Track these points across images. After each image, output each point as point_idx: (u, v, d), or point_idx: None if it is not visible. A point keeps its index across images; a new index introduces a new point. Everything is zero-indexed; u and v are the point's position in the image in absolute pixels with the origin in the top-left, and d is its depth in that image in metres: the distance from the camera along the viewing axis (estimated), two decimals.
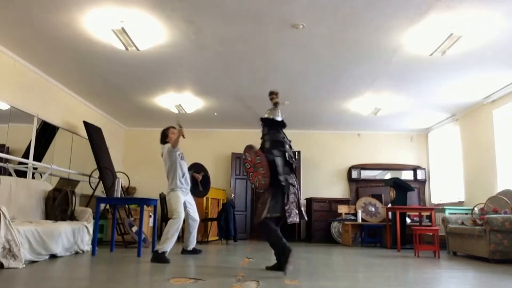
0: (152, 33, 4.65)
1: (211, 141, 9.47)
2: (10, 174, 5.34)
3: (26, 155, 5.71)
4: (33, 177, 5.81)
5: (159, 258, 4.34)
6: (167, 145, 4.92)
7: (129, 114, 8.31)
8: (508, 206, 5.39)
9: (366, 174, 9.23)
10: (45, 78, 6.12)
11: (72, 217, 5.31)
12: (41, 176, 5.92)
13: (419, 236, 6.34)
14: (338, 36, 4.67)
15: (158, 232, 8.14)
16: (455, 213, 6.86)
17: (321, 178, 9.26)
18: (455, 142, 8.01)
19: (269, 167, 3.78)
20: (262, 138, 4.15)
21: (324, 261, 4.91)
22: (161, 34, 4.68)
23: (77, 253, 5.02)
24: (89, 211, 5.53)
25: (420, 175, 9.11)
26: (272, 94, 4.21)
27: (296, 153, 8.98)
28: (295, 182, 3.97)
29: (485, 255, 4.99)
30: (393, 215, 6.95)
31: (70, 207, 5.31)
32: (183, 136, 4.67)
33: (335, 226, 8.28)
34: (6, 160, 5.32)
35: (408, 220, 7.64)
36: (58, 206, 5.23)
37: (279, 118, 4.11)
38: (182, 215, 4.75)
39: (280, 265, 3.66)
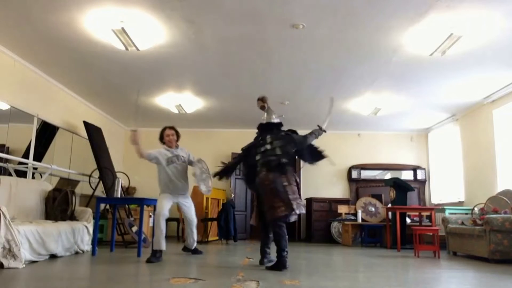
0: (152, 33, 4.65)
1: (211, 141, 9.47)
2: (10, 174, 5.33)
3: (26, 155, 5.71)
4: (33, 177, 5.81)
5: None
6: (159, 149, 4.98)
7: (129, 114, 8.30)
8: (508, 206, 5.39)
9: (366, 174, 9.23)
10: (45, 78, 6.12)
11: (72, 217, 5.31)
12: (41, 176, 5.91)
13: (419, 236, 6.34)
14: (338, 36, 4.67)
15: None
16: (455, 213, 6.86)
17: (321, 178, 9.26)
18: (455, 142, 8.01)
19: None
20: (271, 143, 4.21)
21: (324, 261, 4.91)
22: (161, 34, 4.68)
23: (77, 253, 5.01)
24: (89, 211, 5.53)
25: (420, 175, 9.11)
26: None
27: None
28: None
29: (485, 255, 4.99)
30: (393, 215, 6.95)
31: (70, 207, 5.30)
32: (134, 143, 4.56)
33: (335, 226, 8.28)
34: (6, 160, 5.32)
35: (408, 220, 7.64)
36: (58, 206, 5.23)
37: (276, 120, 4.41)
38: (160, 212, 4.71)
39: (280, 264, 3.80)
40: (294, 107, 7.50)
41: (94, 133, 6.81)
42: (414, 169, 9.18)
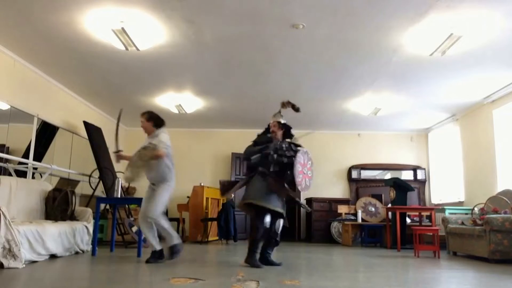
0: (152, 33, 4.65)
1: (211, 141, 9.47)
2: (10, 174, 5.34)
3: (26, 155, 5.71)
4: (33, 177, 5.81)
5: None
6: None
7: (129, 114, 8.30)
8: (508, 206, 5.39)
9: (366, 174, 9.23)
10: (45, 78, 6.12)
11: (72, 217, 5.31)
12: (41, 176, 5.91)
13: (419, 236, 6.34)
14: (338, 36, 4.67)
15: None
16: (455, 213, 6.86)
17: (321, 178, 9.23)
18: (455, 142, 8.00)
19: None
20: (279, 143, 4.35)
21: (324, 261, 4.91)
22: (161, 34, 4.68)
23: (77, 253, 5.01)
24: (89, 211, 5.53)
25: (420, 175, 9.11)
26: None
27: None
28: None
29: (485, 255, 4.99)
30: (393, 215, 6.95)
31: (70, 207, 5.31)
32: (121, 159, 4.43)
33: (335, 226, 8.28)
34: (6, 160, 5.32)
35: (408, 220, 7.64)
36: (58, 206, 5.23)
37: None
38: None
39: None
40: None
41: (94, 133, 6.81)
42: (414, 169, 9.18)
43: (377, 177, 9.22)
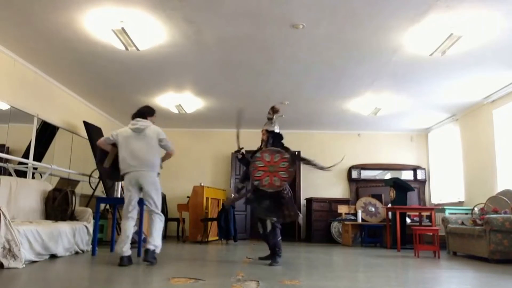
0: (152, 33, 4.64)
1: (211, 141, 9.47)
2: (10, 174, 5.34)
3: (26, 155, 5.71)
4: (33, 177, 5.81)
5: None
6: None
7: (130, 114, 8.29)
8: (508, 206, 5.39)
9: (366, 174, 9.23)
10: (45, 78, 6.12)
11: (72, 217, 5.31)
12: (41, 176, 5.91)
13: (419, 236, 6.34)
14: (338, 36, 4.67)
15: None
16: (455, 213, 6.86)
17: (321, 178, 9.25)
18: (455, 142, 8.00)
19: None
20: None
21: (324, 261, 4.91)
22: (161, 34, 4.68)
23: (77, 253, 5.01)
24: (89, 211, 5.53)
25: (420, 175, 9.11)
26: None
27: (296, 153, 9.01)
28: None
29: (485, 255, 4.99)
30: (393, 215, 6.95)
31: (70, 207, 5.30)
32: None
33: (335, 226, 8.28)
34: (6, 160, 5.32)
35: (408, 220, 7.64)
36: (58, 206, 5.23)
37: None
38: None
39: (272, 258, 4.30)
40: (294, 107, 7.49)
41: (94, 133, 6.81)
42: (414, 169, 9.18)
43: (377, 177, 9.22)
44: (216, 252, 5.80)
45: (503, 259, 4.86)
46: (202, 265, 4.32)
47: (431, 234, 6.36)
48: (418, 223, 7.48)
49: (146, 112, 4.47)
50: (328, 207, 8.59)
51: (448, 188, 8.29)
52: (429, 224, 7.30)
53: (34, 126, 5.89)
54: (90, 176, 6.47)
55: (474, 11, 4.04)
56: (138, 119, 4.38)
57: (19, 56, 5.42)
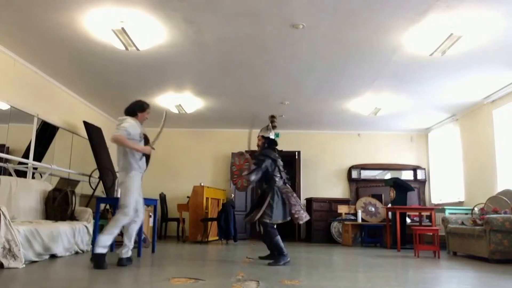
0: (152, 33, 4.64)
1: (211, 141, 9.47)
2: (10, 174, 5.33)
3: (26, 155, 5.71)
4: (33, 177, 5.81)
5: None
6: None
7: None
8: (508, 206, 5.39)
9: (366, 174, 9.23)
10: (45, 78, 6.12)
11: (72, 217, 5.31)
12: (41, 176, 5.91)
13: (419, 236, 6.34)
14: (338, 36, 4.67)
15: (158, 232, 8.15)
16: (455, 213, 6.86)
17: (321, 178, 9.26)
18: (455, 142, 8.00)
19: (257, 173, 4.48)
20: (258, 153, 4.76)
21: (324, 261, 4.91)
22: (161, 34, 4.68)
23: (77, 253, 5.01)
24: (89, 211, 5.53)
25: (420, 175, 9.11)
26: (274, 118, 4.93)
27: (296, 153, 9.04)
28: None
29: (485, 255, 4.99)
30: (393, 215, 6.95)
31: (70, 207, 5.31)
32: None
33: (335, 226, 8.28)
34: (6, 160, 5.32)
35: (408, 220, 7.64)
36: (58, 206, 5.23)
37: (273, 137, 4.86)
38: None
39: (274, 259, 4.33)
40: (294, 107, 7.50)
41: (94, 133, 6.81)
42: (414, 169, 9.18)
43: (377, 177, 9.22)
44: (216, 252, 5.80)
45: (503, 259, 4.86)
46: (202, 265, 4.32)
47: (431, 234, 6.36)
48: (418, 223, 7.48)
49: (135, 109, 4.10)
50: (328, 207, 8.59)
51: (448, 188, 8.29)
52: (429, 224, 7.29)
53: (34, 126, 5.89)
54: (90, 176, 6.47)
55: (474, 11, 4.04)
56: (119, 117, 4.12)
57: (19, 56, 5.42)
